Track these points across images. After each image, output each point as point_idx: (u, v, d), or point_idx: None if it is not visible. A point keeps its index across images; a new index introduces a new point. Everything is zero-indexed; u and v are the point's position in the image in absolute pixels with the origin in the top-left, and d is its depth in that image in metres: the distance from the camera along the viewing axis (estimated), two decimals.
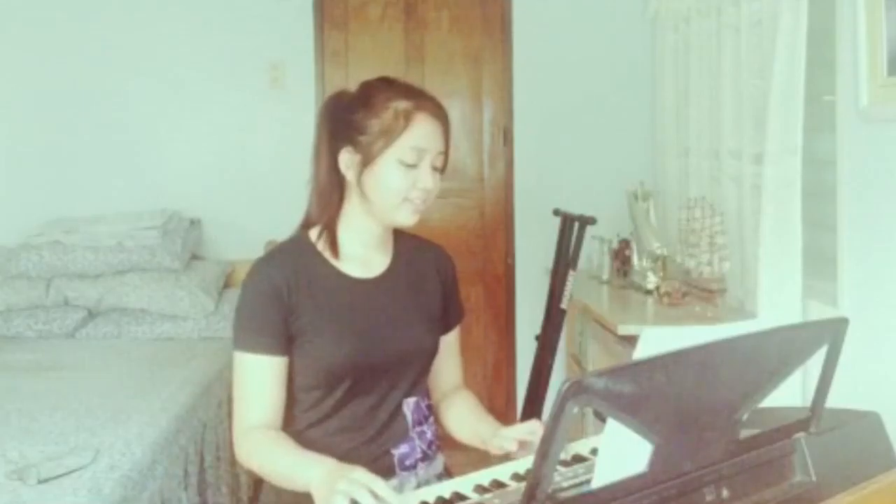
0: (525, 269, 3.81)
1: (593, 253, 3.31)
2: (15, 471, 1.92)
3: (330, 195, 1.51)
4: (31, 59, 3.67)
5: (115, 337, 3.27)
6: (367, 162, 1.46)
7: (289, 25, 3.71)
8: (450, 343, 1.68)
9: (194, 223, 3.66)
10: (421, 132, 1.45)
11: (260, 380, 1.45)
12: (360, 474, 1.22)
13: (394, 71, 3.73)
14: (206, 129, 3.73)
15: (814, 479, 1.09)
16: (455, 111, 3.82)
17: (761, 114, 2.38)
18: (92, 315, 3.37)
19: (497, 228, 3.87)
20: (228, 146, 3.72)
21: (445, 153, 1.50)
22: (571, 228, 2.94)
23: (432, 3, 3.78)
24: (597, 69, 3.77)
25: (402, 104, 1.45)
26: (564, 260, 2.93)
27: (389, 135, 1.44)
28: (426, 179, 1.46)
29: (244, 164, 3.70)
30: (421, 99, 1.48)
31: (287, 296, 1.45)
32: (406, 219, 1.49)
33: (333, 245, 1.51)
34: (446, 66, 3.81)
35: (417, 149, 1.44)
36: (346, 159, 1.48)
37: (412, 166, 1.45)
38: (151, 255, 3.38)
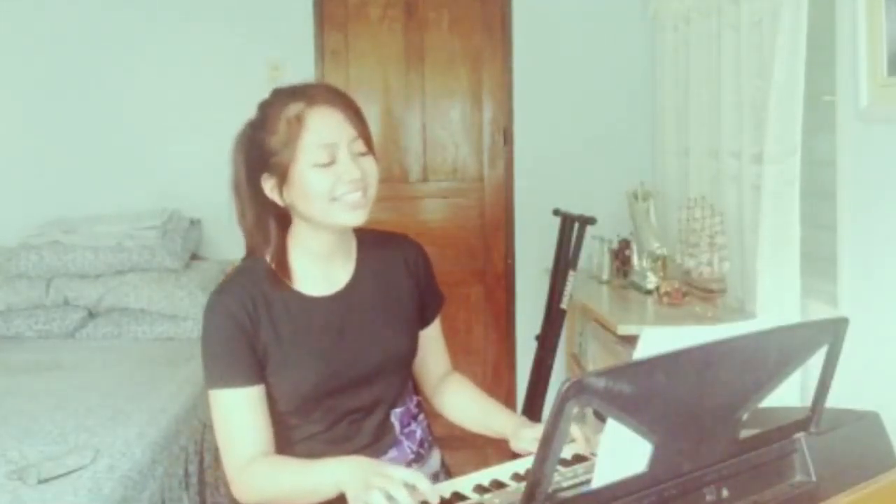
0: (525, 269, 3.81)
1: (593, 253, 3.31)
2: (15, 471, 1.92)
3: (266, 226, 1.45)
4: (31, 58, 3.67)
5: (115, 337, 3.27)
6: (283, 180, 1.39)
7: (289, 25, 3.71)
8: (432, 334, 1.62)
9: (194, 223, 3.66)
10: (320, 128, 1.37)
11: (244, 412, 1.38)
12: (400, 472, 1.19)
13: (394, 71, 3.76)
14: (207, 129, 3.72)
15: (814, 479, 1.09)
16: (455, 111, 3.83)
17: (761, 114, 2.39)
18: (92, 315, 3.37)
19: (497, 228, 3.87)
20: (229, 146, 3.71)
21: (363, 136, 1.40)
22: (571, 228, 2.94)
23: (432, 3, 3.78)
24: (597, 69, 3.77)
25: (292, 109, 1.38)
26: (564, 260, 2.94)
27: (291, 144, 1.37)
28: (350, 171, 1.37)
29: None
30: (311, 94, 1.40)
31: (248, 324, 1.39)
32: (349, 218, 1.39)
33: (285, 269, 1.44)
34: (446, 66, 3.81)
35: (323, 145, 1.37)
36: (268, 186, 1.42)
37: (328, 164, 1.37)
38: (151, 255, 3.38)
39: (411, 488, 1.15)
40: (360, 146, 1.40)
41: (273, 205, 1.43)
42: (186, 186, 3.69)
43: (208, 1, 3.70)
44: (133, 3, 3.68)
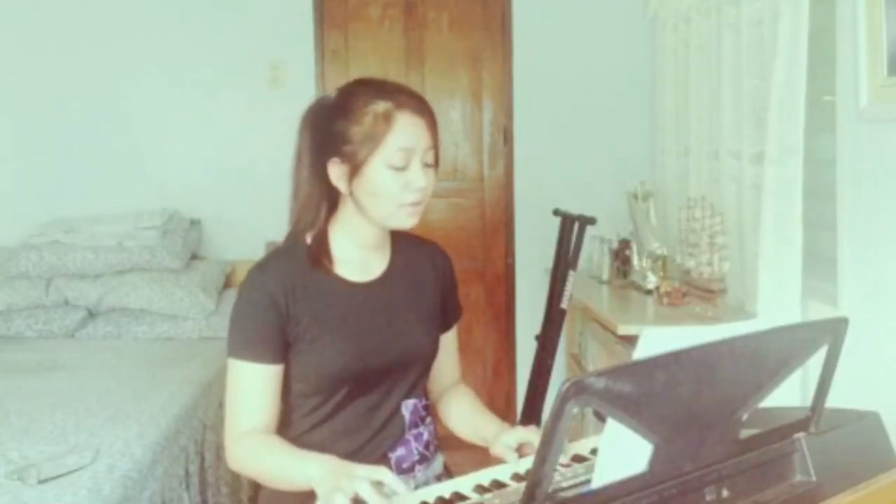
0: (525, 269, 3.81)
1: (593, 253, 3.31)
2: (15, 471, 1.92)
3: (317, 207, 1.48)
4: (32, 58, 3.68)
5: (115, 337, 3.27)
6: (355, 171, 1.42)
7: (289, 25, 3.71)
8: (448, 341, 1.67)
9: (194, 223, 3.66)
10: (404, 132, 1.40)
11: (254, 388, 1.43)
12: (364, 470, 1.21)
13: (394, 71, 3.76)
14: (206, 129, 3.73)
15: (814, 479, 1.09)
16: (455, 111, 3.82)
17: (761, 114, 2.39)
18: (92, 315, 3.37)
19: (497, 228, 3.87)
20: (228, 146, 3.72)
21: (435, 147, 1.45)
22: (571, 228, 2.93)
23: (432, 3, 3.78)
24: (597, 69, 3.77)
25: (381, 106, 1.40)
26: (564, 260, 2.93)
27: (373, 140, 1.39)
28: (418, 179, 1.41)
29: (244, 164, 3.69)
30: (400, 96, 1.43)
31: (283, 304, 1.43)
32: (405, 222, 1.45)
33: (326, 252, 1.49)
34: (446, 66, 3.81)
35: (404, 149, 1.40)
36: (335, 171, 1.44)
37: (402, 168, 1.41)
38: (151, 255, 3.38)
39: (378, 485, 1.17)
40: (430, 157, 1.45)
41: (327, 188, 1.46)
42: (186, 186, 3.70)
43: (208, 1, 3.71)
44: (133, 4, 3.68)
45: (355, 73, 3.73)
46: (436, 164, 1.47)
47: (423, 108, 1.44)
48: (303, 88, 3.64)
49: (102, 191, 3.67)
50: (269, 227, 2.84)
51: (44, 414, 2.34)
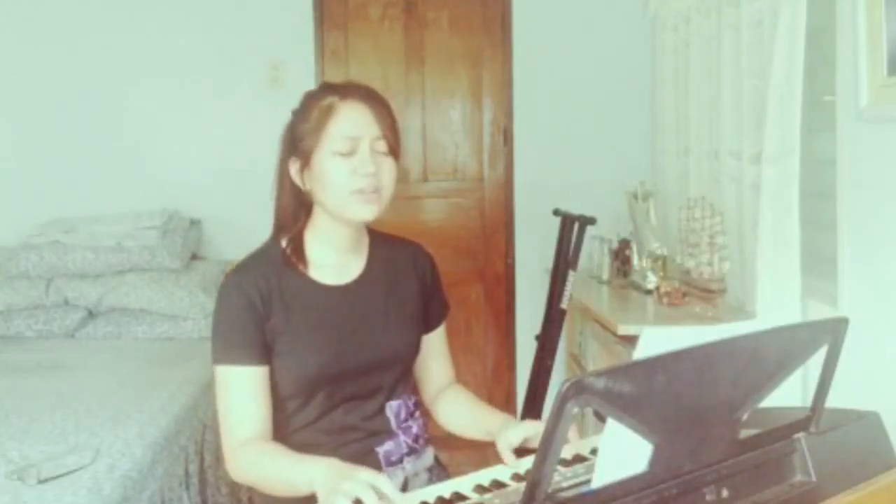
0: (525, 269, 3.81)
1: (593, 253, 3.31)
2: (15, 471, 1.92)
3: (294, 209, 1.51)
4: (31, 58, 3.67)
5: (115, 337, 3.28)
6: (305, 164, 1.46)
7: (289, 25, 3.71)
8: (435, 341, 1.66)
9: (194, 223, 3.66)
10: (347, 120, 1.44)
11: (245, 392, 1.43)
12: (366, 474, 1.21)
13: (394, 71, 3.76)
14: (206, 129, 3.73)
15: (814, 479, 1.09)
16: (455, 111, 3.83)
17: (761, 114, 2.38)
18: (92, 315, 3.37)
19: (497, 228, 3.87)
20: (228, 146, 3.72)
21: (387, 137, 1.46)
22: (571, 228, 2.93)
23: (432, 3, 3.78)
24: (597, 69, 3.77)
25: (326, 100, 1.46)
26: (564, 260, 2.93)
27: (317, 131, 1.44)
28: (366, 164, 1.43)
29: (244, 164, 3.68)
30: (347, 89, 1.48)
31: (260, 304, 1.45)
32: (361, 212, 1.45)
33: (300, 255, 1.51)
34: (446, 66, 3.81)
35: (347, 137, 1.44)
36: (294, 169, 1.48)
37: (348, 154, 1.43)
38: (151, 255, 3.38)
39: (378, 492, 1.17)
40: (382, 146, 1.46)
41: (301, 193, 1.50)
42: (186, 186, 3.70)
43: (208, 1, 3.71)
44: (133, 3, 3.68)
45: (355, 72, 3.74)
46: (394, 154, 1.48)
47: (370, 97, 1.48)
48: (303, 88, 3.54)
49: (102, 191, 3.67)
50: (269, 227, 2.83)
51: (44, 414, 2.34)
